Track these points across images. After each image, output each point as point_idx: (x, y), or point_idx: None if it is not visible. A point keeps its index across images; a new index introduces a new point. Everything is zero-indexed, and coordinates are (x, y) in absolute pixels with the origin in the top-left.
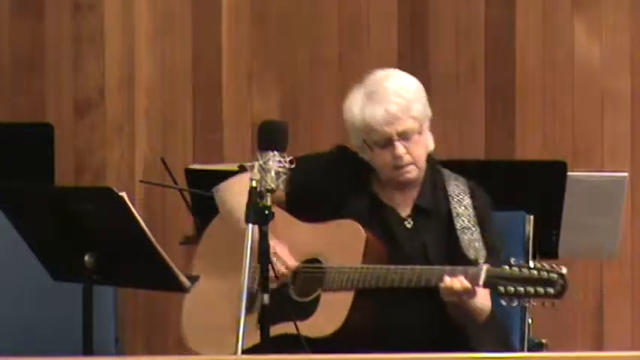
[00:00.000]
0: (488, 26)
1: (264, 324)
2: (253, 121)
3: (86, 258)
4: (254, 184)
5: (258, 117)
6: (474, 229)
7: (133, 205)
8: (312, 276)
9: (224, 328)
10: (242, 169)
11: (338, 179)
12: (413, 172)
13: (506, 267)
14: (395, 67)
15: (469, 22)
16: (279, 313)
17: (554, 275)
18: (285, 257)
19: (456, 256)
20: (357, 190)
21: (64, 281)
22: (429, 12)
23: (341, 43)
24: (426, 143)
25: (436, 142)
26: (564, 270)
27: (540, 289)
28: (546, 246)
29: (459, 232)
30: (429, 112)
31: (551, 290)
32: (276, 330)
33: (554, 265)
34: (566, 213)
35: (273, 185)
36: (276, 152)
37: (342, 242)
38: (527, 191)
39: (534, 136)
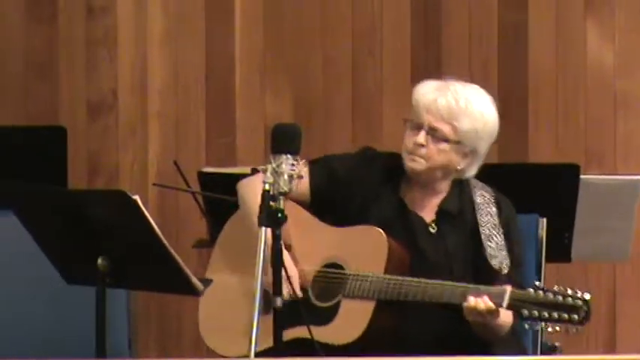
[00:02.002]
0: (501, 29)
1: (277, 327)
2: (266, 124)
3: (99, 261)
4: (267, 187)
5: (271, 120)
6: (499, 238)
7: (146, 208)
8: (332, 281)
9: (240, 328)
10: (255, 173)
11: (365, 180)
12: (419, 165)
13: (531, 290)
14: (407, 69)
15: (482, 25)
16: (296, 316)
17: (579, 302)
18: (295, 284)
19: (479, 265)
20: (384, 193)
21: (77, 284)
22: (442, 15)
23: (354, 46)
24: (450, 157)
25: None
26: (588, 296)
27: (564, 315)
28: (559, 249)
29: (483, 240)
30: (479, 147)
31: (575, 317)
32: (294, 333)
33: (577, 291)
34: (579, 216)
35: (286, 188)
36: (289, 155)
37: (364, 249)
38: (540, 194)
39: (547, 139)
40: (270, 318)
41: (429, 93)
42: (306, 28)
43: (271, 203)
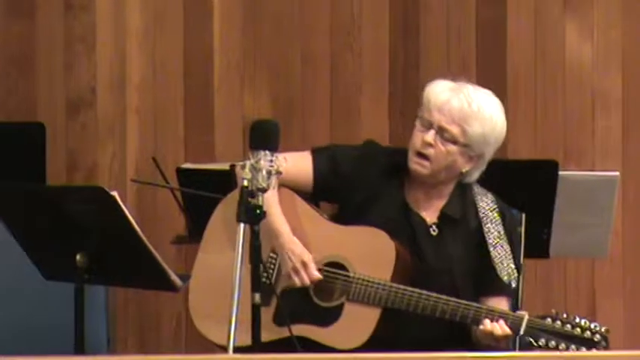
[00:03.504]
0: (480, 25)
1: (255, 323)
2: (245, 121)
3: (78, 257)
4: (245, 183)
5: (249, 116)
6: (505, 245)
7: (124, 204)
8: (335, 281)
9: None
10: (233, 169)
11: (368, 177)
12: (424, 169)
13: (549, 319)
14: (386, 66)
15: (460, 21)
16: (298, 313)
17: (598, 337)
18: (310, 270)
19: (483, 273)
20: (386, 191)
21: (56, 280)
22: (421, 11)
23: (333, 43)
24: (456, 159)
25: None
26: (607, 331)
27: (582, 349)
28: (538, 245)
29: (490, 249)
30: (485, 152)
31: (593, 350)
32: (295, 331)
33: (597, 324)
34: (558, 212)
35: (264, 184)
36: (267, 152)
37: (370, 252)
38: (518, 190)
39: (526, 135)
40: (269, 311)
41: (443, 93)
42: (284, 25)
43: (250, 199)
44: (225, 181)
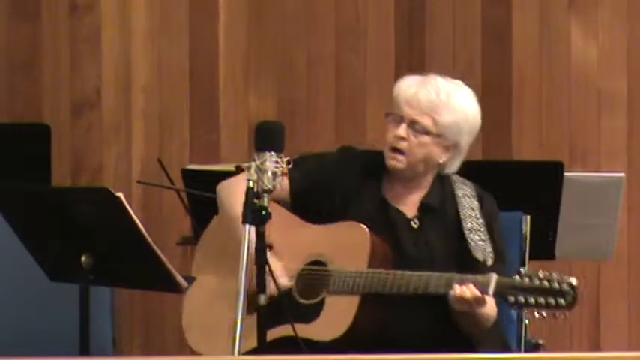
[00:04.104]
0: (485, 26)
1: (261, 325)
2: (250, 122)
3: (83, 258)
4: (251, 184)
5: (255, 118)
6: (481, 230)
7: (129, 205)
8: (316, 278)
9: (221, 329)
10: (238, 170)
11: (345, 180)
12: (400, 164)
13: (517, 277)
14: (391, 67)
15: (466, 22)
16: (281, 315)
17: (565, 286)
18: (278, 273)
19: (463, 258)
20: (365, 191)
21: (61, 282)
22: (426, 12)
23: (338, 43)
24: (431, 150)
25: None
26: (575, 281)
27: (551, 300)
28: (543, 247)
29: (466, 233)
30: (460, 141)
31: (562, 301)
32: (278, 332)
33: (563, 276)
34: (563, 214)
35: (269, 186)
36: (272, 153)
37: (346, 244)
38: (524, 192)
39: (531, 136)
40: (253, 318)
41: (410, 87)
42: (290, 27)
43: (255, 201)
44: None
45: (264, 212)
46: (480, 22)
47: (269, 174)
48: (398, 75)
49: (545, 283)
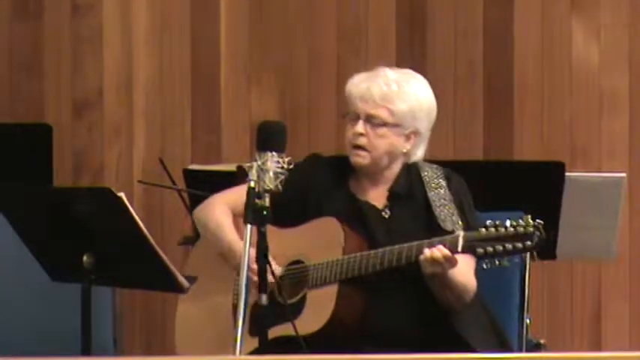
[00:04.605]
0: (487, 27)
1: (261, 326)
2: (252, 122)
3: (84, 258)
4: (252, 184)
5: (256, 118)
6: (449, 205)
7: (131, 205)
8: (295, 277)
9: (209, 345)
10: (240, 170)
11: (316, 185)
12: (364, 160)
13: (482, 229)
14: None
15: (467, 23)
16: (270, 319)
17: (530, 228)
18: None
19: (434, 233)
20: (334, 193)
21: (63, 282)
22: (428, 13)
23: (339, 44)
24: (392, 141)
25: (435, 142)
26: (539, 221)
27: (519, 244)
28: (544, 247)
29: (435, 209)
30: (419, 127)
31: (529, 243)
32: (271, 334)
33: (529, 219)
34: (565, 214)
35: (271, 185)
36: (274, 153)
37: (320, 239)
38: (525, 192)
39: (533, 136)
40: (245, 325)
41: (361, 83)
42: (291, 27)
43: (256, 200)
44: (232, 182)
45: (265, 212)
46: (482, 22)
47: (270, 174)
48: None
49: (511, 229)
